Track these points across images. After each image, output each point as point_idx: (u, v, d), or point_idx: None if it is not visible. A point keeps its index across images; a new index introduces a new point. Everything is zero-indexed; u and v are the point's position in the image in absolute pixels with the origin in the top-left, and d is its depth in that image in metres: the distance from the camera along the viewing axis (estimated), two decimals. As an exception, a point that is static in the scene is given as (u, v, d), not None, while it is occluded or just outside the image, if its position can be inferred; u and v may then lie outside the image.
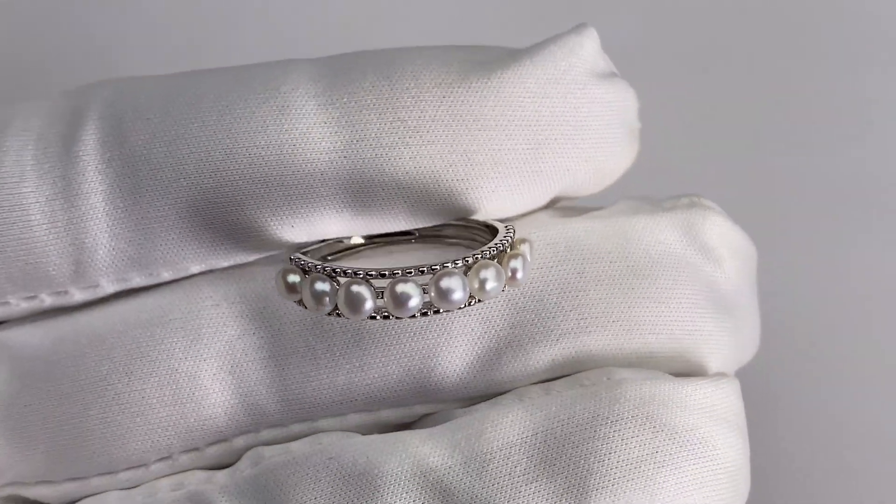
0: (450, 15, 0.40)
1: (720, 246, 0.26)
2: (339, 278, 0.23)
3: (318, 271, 0.23)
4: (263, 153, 0.24)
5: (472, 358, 0.24)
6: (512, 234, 0.24)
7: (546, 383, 0.24)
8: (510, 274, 0.23)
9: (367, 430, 0.25)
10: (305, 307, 0.23)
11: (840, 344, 0.34)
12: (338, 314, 0.23)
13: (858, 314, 0.35)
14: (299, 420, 0.25)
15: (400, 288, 0.23)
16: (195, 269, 0.25)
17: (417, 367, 0.24)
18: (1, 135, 0.25)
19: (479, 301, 0.23)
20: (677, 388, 0.24)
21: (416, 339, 0.24)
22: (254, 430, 0.25)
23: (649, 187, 0.28)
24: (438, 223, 0.25)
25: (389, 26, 0.40)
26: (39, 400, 0.25)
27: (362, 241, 0.25)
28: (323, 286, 0.23)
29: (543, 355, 0.24)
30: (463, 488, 0.23)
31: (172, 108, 0.24)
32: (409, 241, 0.25)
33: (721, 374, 0.25)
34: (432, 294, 0.23)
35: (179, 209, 0.24)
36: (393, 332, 0.24)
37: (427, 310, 0.23)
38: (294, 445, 0.24)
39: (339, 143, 0.24)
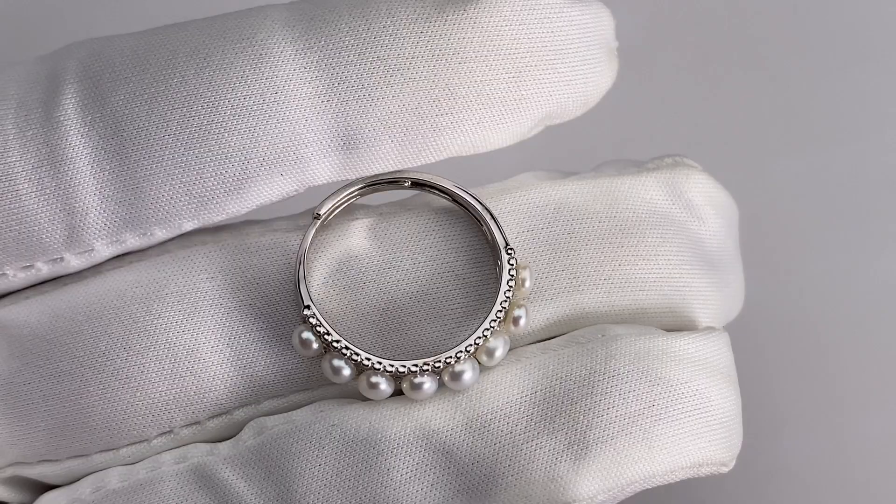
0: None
1: (704, 203, 0.26)
2: (353, 356, 0.24)
3: (337, 351, 0.24)
4: (246, 104, 0.24)
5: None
6: (515, 272, 0.24)
7: (542, 342, 0.25)
8: (514, 325, 0.24)
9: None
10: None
11: (840, 344, 0.34)
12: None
13: (859, 315, 0.35)
14: (298, 389, 0.25)
15: (417, 380, 0.24)
16: (188, 225, 0.25)
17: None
18: None
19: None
20: (671, 342, 0.24)
21: None
22: (254, 402, 0.25)
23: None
24: (428, 161, 0.25)
25: None
26: (39, 378, 0.25)
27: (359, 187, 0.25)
28: (339, 363, 0.24)
29: (539, 314, 0.25)
30: (466, 449, 0.23)
31: (149, 65, 0.24)
32: (401, 187, 0.25)
33: (711, 328, 0.25)
34: (446, 378, 0.24)
35: (167, 167, 0.24)
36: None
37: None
38: (296, 414, 0.24)
39: (321, 87, 0.24)
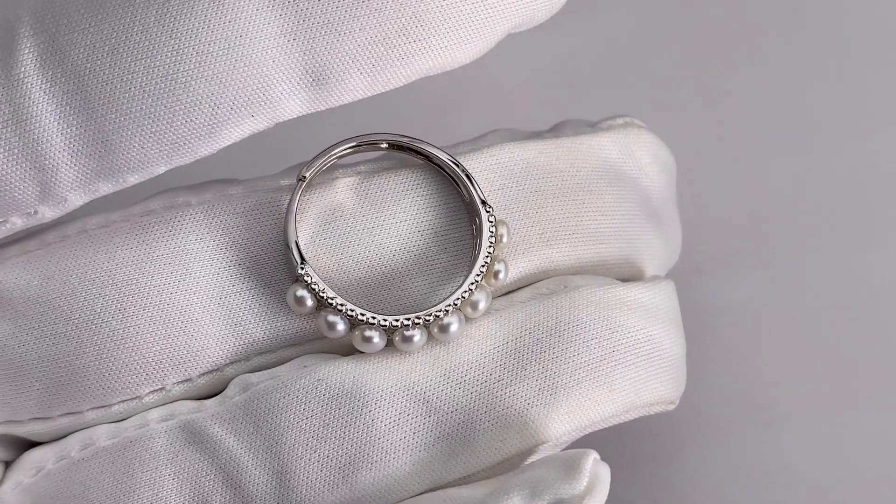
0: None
1: (651, 161, 0.28)
2: (349, 312, 0.25)
3: (330, 307, 0.25)
4: (211, 49, 0.24)
5: None
6: (494, 228, 0.26)
7: (508, 295, 0.26)
8: (494, 279, 0.26)
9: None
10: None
11: (840, 344, 0.34)
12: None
13: (859, 315, 0.35)
14: (287, 345, 0.26)
15: (408, 333, 0.25)
16: (160, 169, 0.25)
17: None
18: None
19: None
20: (627, 291, 0.26)
21: None
22: (244, 359, 0.25)
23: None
24: (397, 86, 0.25)
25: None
26: (34, 339, 0.25)
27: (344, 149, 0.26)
28: (334, 318, 0.25)
29: (513, 268, 0.26)
30: (445, 398, 0.25)
31: (106, 14, 0.24)
32: (378, 149, 0.26)
33: (659, 277, 0.28)
34: (434, 331, 0.25)
35: (135, 117, 0.24)
36: None
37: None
38: (280, 370, 0.25)
39: (286, 25, 0.24)
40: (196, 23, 0.24)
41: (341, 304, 0.25)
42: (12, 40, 0.24)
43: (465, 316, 0.25)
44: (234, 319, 0.25)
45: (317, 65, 0.24)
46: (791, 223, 0.36)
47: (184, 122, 0.24)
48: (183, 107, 0.24)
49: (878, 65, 0.38)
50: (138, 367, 0.25)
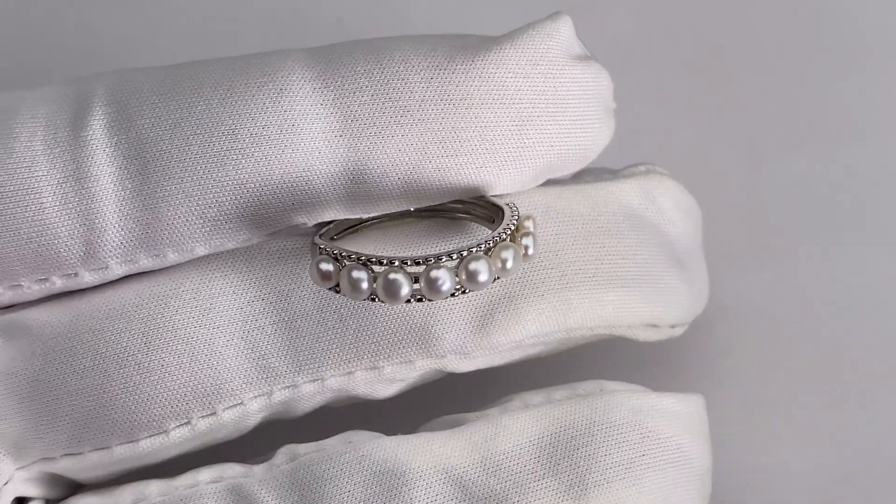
0: (444, 9, 0.40)
1: (674, 207, 0.29)
2: (374, 267, 0.25)
3: (353, 260, 0.25)
4: (265, 132, 0.25)
5: (467, 312, 0.26)
6: (517, 213, 0.26)
7: (546, 390, 0.27)
8: (524, 251, 0.26)
9: (371, 385, 0.27)
10: (339, 292, 0.25)
11: (841, 344, 0.34)
12: (373, 299, 0.25)
13: (859, 315, 0.35)
14: (310, 380, 0.26)
15: (434, 273, 0.25)
16: (200, 250, 0.26)
17: (418, 323, 0.26)
18: (9, 122, 0.26)
19: (499, 279, 0.25)
20: (660, 400, 0.27)
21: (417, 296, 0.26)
22: (267, 393, 0.26)
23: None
24: (432, 203, 0.26)
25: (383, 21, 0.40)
26: (63, 374, 0.26)
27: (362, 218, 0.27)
28: (360, 274, 0.25)
29: (532, 310, 0.27)
30: (480, 484, 0.26)
31: (175, 92, 0.26)
32: (407, 216, 0.27)
33: (691, 394, 0.28)
34: (462, 277, 0.25)
35: (185, 189, 0.25)
36: None
37: (455, 291, 0.25)
38: (326, 443, 0.26)
39: (335, 123, 0.25)
40: (255, 107, 0.25)
41: (362, 257, 0.25)
42: (86, 107, 0.26)
43: (494, 271, 0.25)
44: (258, 353, 0.26)
45: (358, 163, 0.25)
46: (791, 223, 0.36)
47: (229, 198, 0.25)
48: (231, 182, 0.25)
49: (878, 65, 0.38)
50: (164, 399, 0.26)
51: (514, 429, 0.26)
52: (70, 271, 0.26)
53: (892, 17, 0.39)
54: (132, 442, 0.26)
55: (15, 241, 0.26)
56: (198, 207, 0.25)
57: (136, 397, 0.26)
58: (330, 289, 0.25)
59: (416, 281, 0.25)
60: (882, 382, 0.34)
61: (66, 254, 0.26)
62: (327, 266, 0.25)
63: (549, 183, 0.28)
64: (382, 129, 0.25)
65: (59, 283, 0.26)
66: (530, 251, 0.26)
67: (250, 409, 0.26)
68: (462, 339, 0.26)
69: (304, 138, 0.25)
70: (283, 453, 0.26)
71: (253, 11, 0.41)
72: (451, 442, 0.26)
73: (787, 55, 0.39)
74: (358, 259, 0.25)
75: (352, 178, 0.26)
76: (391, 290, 0.25)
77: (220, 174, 0.25)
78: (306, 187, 0.26)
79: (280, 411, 0.27)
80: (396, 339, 0.26)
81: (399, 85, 0.26)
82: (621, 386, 0.27)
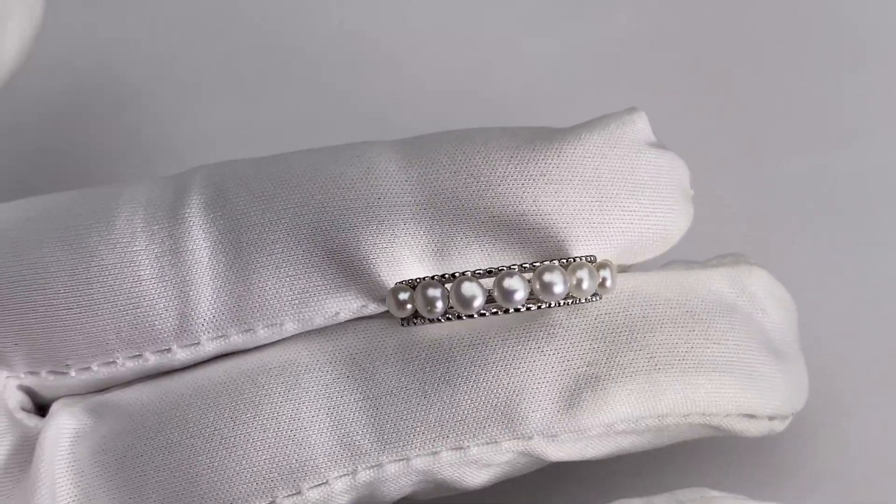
0: (445, 10, 0.40)
1: (766, 297, 0.28)
2: (447, 284, 0.25)
3: (427, 279, 0.25)
4: (353, 205, 0.26)
5: (555, 393, 0.26)
6: (594, 256, 0.26)
7: (647, 498, 0.26)
8: (601, 280, 0.26)
9: (458, 468, 0.26)
10: (416, 320, 0.26)
11: (840, 344, 0.34)
12: (449, 317, 0.25)
13: (859, 315, 0.35)
14: (395, 460, 0.26)
15: (507, 283, 0.25)
16: (290, 326, 0.26)
17: (504, 401, 0.26)
18: (112, 203, 0.27)
19: (573, 301, 0.26)
20: None
21: (502, 375, 0.26)
22: (351, 472, 0.26)
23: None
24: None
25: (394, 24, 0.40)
26: (151, 450, 0.26)
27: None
28: (434, 292, 0.25)
29: (620, 391, 0.26)
30: None
31: (268, 173, 0.27)
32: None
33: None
34: (536, 287, 0.25)
35: (276, 261, 0.26)
36: (481, 368, 0.26)
37: (531, 304, 0.25)
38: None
39: (421, 198, 0.26)
40: (344, 184, 0.26)
41: (433, 276, 0.25)
42: (185, 190, 0.27)
43: (570, 291, 0.25)
44: (343, 431, 0.26)
45: (442, 236, 0.26)
46: (791, 223, 0.36)
47: (318, 269, 0.26)
48: (319, 254, 0.26)
49: (878, 65, 0.38)
50: (249, 476, 0.26)
51: None
52: (163, 346, 0.26)
53: (892, 17, 0.39)
54: None
55: (112, 312, 0.26)
56: (287, 278, 0.26)
57: (222, 474, 0.26)
58: (406, 319, 0.26)
59: (492, 300, 0.25)
60: (883, 382, 0.34)
61: (160, 326, 0.26)
62: (404, 295, 0.25)
63: (635, 270, 0.28)
64: (465, 202, 0.26)
65: (152, 361, 0.27)
66: (608, 283, 0.26)
67: (335, 489, 0.26)
68: (549, 419, 0.26)
69: (392, 212, 0.26)
70: None
71: (254, 13, 0.41)
72: None
73: (786, 55, 0.39)
74: (432, 278, 0.25)
75: (435, 250, 0.26)
76: (464, 300, 0.25)
77: (308, 246, 0.26)
78: (392, 257, 0.26)
79: (366, 495, 0.27)
80: (481, 418, 0.26)
81: (480, 162, 0.26)
82: (723, 495, 0.26)
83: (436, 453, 0.26)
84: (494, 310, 0.25)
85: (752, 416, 0.28)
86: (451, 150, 0.27)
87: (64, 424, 0.27)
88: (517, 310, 0.25)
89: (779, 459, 0.33)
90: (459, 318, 0.25)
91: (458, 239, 0.26)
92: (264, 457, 0.26)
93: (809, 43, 0.38)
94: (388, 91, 0.39)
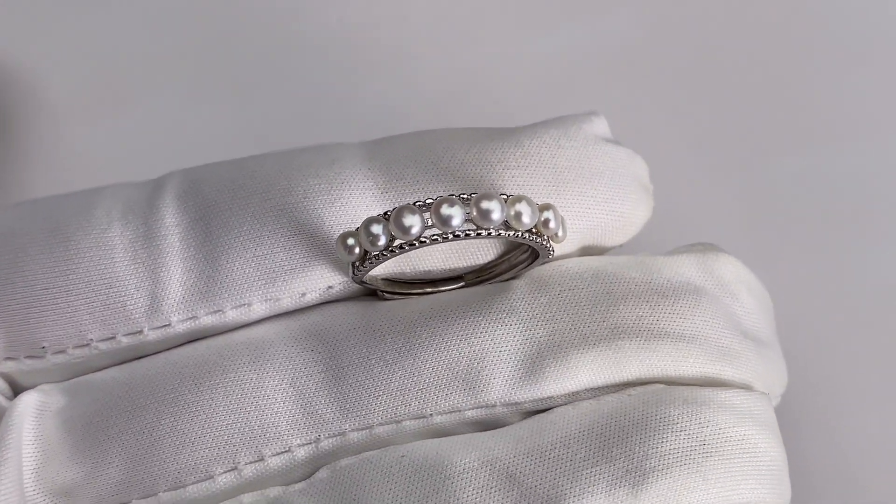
0: (445, 10, 0.40)
1: (735, 281, 0.28)
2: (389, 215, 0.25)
3: (370, 217, 0.25)
4: (317, 188, 0.27)
5: (516, 360, 0.26)
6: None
7: (595, 396, 0.26)
8: (543, 220, 0.26)
9: (422, 438, 0.26)
10: (364, 265, 0.26)
11: (840, 344, 0.35)
12: (393, 250, 0.25)
13: (858, 315, 0.35)
14: (357, 428, 0.26)
15: (444, 209, 0.25)
16: (258, 306, 0.27)
17: (465, 370, 0.26)
18: (94, 197, 0.28)
19: (514, 232, 0.25)
20: (717, 393, 0.26)
21: (463, 344, 0.26)
22: (314, 441, 0.26)
23: (656, 192, 0.29)
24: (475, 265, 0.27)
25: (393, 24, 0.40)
26: (116, 414, 0.27)
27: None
28: (377, 227, 0.25)
29: (582, 359, 0.26)
30: (529, 473, 0.25)
31: (241, 166, 0.28)
32: (458, 285, 0.28)
33: (753, 391, 0.27)
34: (474, 214, 0.25)
35: (243, 242, 0.27)
36: (442, 338, 0.26)
37: (469, 231, 0.25)
38: (368, 453, 0.26)
39: (381, 182, 0.27)
40: (309, 172, 0.27)
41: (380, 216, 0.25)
42: (162, 184, 0.28)
43: (509, 221, 0.25)
44: (305, 399, 0.26)
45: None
46: (790, 223, 0.36)
47: (283, 249, 0.27)
48: (285, 234, 0.27)
49: (877, 65, 0.38)
50: (212, 441, 0.26)
51: (562, 422, 0.25)
52: (135, 328, 0.27)
53: (892, 17, 0.39)
54: (179, 488, 0.26)
55: (86, 293, 0.27)
56: (254, 258, 0.27)
57: (184, 437, 0.26)
58: (355, 264, 0.26)
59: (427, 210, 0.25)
60: (883, 382, 0.34)
61: (132, 307, 0.27)
62: (351, 240, 0.26)
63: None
64: (425, 185, 0.27)
65: (124, 342, 0.27)
66: (551, 224, 0.25)
67: (298, 458, 0.26)
68: (511, 386, 0.26)
69: (352, 195, 0.27)
70: (325, 468, 0.26)
71: (254, 11, 0.41)
72: (494, 437, 0.25)
73: (785, 55, 0.39)
74: (374, 218, 0.25)
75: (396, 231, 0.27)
76: (403, 228, 0.25)
77: (275, 227, 0.27)
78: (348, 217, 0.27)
79: (329, 452, 0.27)
80: (443, 385, 0.26)
81: (441, 152, 0.27)
82: (675, 386, 0.26)
83: (398, 422, 0.26)
84: (434, 237, 0.25)
85: (720, 384, 0.27)
86: (412, 142, 0.27)
87: (33, 397, 0.27)
88: (456, 236, 0.25)
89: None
90: (402, 248, 0.25)
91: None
92: (227, 422, 0.26)
93: (808, 43, 0.38)
94: (388, 91, 0.39)
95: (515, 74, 0.39)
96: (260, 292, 0.27)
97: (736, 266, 0.28)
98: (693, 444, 0.25)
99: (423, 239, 0.25)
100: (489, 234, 0.25)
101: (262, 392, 0.26)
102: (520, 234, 0.25)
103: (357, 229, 0.25)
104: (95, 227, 0.27)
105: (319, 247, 0.27)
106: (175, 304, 0.27)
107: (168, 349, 0.28)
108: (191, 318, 0.27)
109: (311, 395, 0.26)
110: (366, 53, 0.40)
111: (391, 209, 0.25)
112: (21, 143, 0.39)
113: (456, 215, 0.25)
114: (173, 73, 0.40)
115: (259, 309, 0.27)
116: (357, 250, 0.25)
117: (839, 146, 0.37)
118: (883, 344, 0.34)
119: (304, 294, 0.27)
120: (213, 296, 0.27)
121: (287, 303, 0.27)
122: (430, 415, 0.26)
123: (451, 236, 0.25)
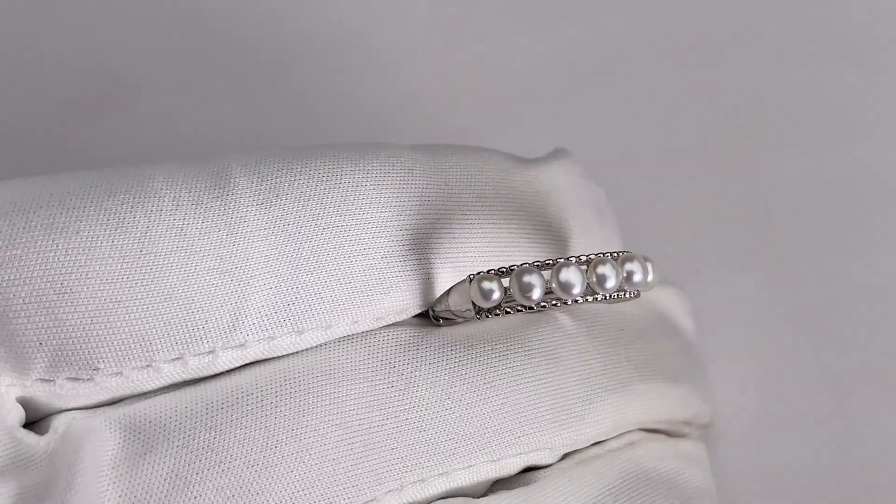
0: (444, 9, 0.40)
1: (685, 313, 0.30)
2: (544, 271, 0.24)
3: (523, 265, 0.24)
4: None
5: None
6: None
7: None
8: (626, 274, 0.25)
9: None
10: (490, 310, 0.24)
11: (840, 344, 0.35)
12: (544, 305, 0.24)
13: (858, 315, 0.35)
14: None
15: (563, 275, 0.24)
16: (336, 328, 0.24)
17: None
18: (149, 182, 0.23)
19: (627, 295, 0.25)
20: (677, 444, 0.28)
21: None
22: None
23: (655, 193, 0.29)
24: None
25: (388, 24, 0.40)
26: (208, 472, 0.23)
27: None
28: (531, 278, 0.24)
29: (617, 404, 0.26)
30: None
31: (313, 167, 0.25)
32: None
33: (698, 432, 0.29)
34: (593, 279, 0.24)
35: (333, 257, 0.24)
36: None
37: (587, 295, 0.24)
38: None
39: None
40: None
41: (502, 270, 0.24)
42: (225, 172, 0.24)
43: (622, 283, 0.24)
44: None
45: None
46: (789, 223, 0.36)
47: (376, 272, 0.24)
48: (380, 254, 0.24)
49: (877, 65, 0.38)
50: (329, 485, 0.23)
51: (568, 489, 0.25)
52: (208, 348, 0.23)
53: (892, 17, 0.39)
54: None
55: (165, 308, 0.22)
56: (346, 275, 0.24)
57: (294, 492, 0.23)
58: (483, 310, 0.24)
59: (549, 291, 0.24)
60: (882, 382, 0.34)
61: (213, 324, 0.23)
62: (489, 284, 0.24)
63: None
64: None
65: (191, 364, 0.23)
66: (649, 278, 0.25)
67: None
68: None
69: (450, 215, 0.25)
70: None
71: (253, 11, 0.41)
72: (507, 496, 0.24)
73: (784, 55, 0.39)
74: (528, 264, 0.24)
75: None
76: (566, 287, 0.24)
77: (368, 245, 0.24)
78: (453, 259, 0.25)
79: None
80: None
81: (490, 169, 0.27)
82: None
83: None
84: (555, 302, 0.24)
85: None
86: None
87: (97, 446, 0.22)
88: (575, 301, 0.24)
89: (779, 459, 0.33)
90: (555, 304, 0.24)
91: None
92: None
93: (807, 43, 0.38)
94: (387, 91, 0.39)
95: (514, 75, 0.39)
96: (342, 314, 0.24)
97: (682, 299, 0.30)
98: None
99: (543, 304, 0.24)
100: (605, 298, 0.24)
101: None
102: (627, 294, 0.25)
103: (501, 276, 0.24)
104: (172, 223, 0.23)
105: (406, 269, 0.24)
106: (256, 323, 0.23)
107: (223, 373, 0.23)
108: (268, 339, 0.23)
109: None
110: (366, 53, 0.40)
111: (546, 261, 0.24)
112: (21, 143, 0.39)
113: (578, 282, 0.24)
114: (174, 72, 0.40)
115: (337, 331, 0.24)
116: (496, 295, 0.24)
117: (839, 147, 0.37)
118: (884, 344, 0.34)
119: (379, 318, 0.24)
120: (296, 315, 0.23)
121: (366, 325, 0.24)
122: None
123: (570, 301, 0.24)
